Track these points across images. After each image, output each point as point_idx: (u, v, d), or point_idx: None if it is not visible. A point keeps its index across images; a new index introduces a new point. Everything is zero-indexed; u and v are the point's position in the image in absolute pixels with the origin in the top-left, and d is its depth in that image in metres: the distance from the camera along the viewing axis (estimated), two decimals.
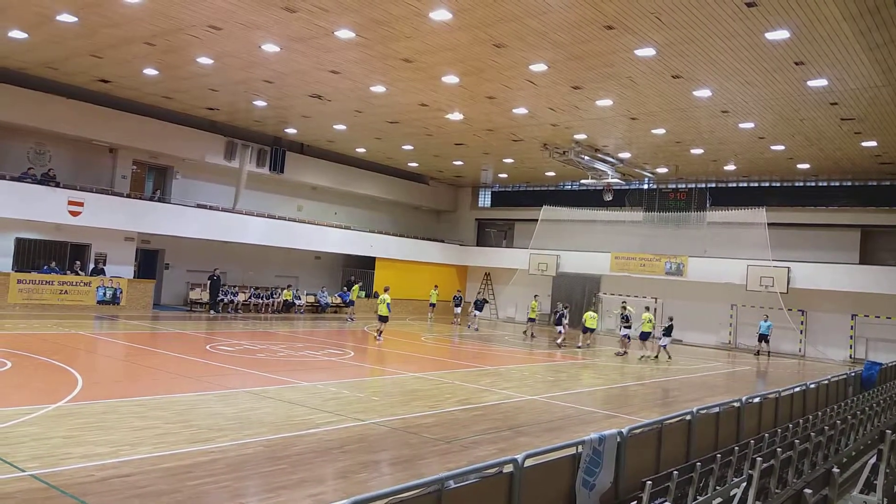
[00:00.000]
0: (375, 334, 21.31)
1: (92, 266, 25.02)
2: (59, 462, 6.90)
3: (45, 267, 23.63)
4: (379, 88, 20.55)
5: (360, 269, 34.91)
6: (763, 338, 27.04)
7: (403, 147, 29.79)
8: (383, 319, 21.32)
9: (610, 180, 29.04)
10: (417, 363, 17.06)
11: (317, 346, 18.81)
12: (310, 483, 7.02)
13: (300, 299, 30.58)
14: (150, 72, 20.74)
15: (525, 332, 27.54)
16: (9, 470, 6.49)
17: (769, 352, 26.49)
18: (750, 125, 21.59)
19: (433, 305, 31.98)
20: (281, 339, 20.44)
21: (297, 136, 29.92)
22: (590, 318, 24.24)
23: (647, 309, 25.60)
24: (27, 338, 16.18)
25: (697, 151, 26.04)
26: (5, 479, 6.26)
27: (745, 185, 32.31)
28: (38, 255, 24.23)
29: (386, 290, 21.86)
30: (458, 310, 31.84)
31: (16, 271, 22.93)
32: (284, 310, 29.72)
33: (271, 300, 29.60)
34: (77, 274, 24.14)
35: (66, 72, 21.81)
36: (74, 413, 9.02)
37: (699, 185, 32.57)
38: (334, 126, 26.68)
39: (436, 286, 32.71)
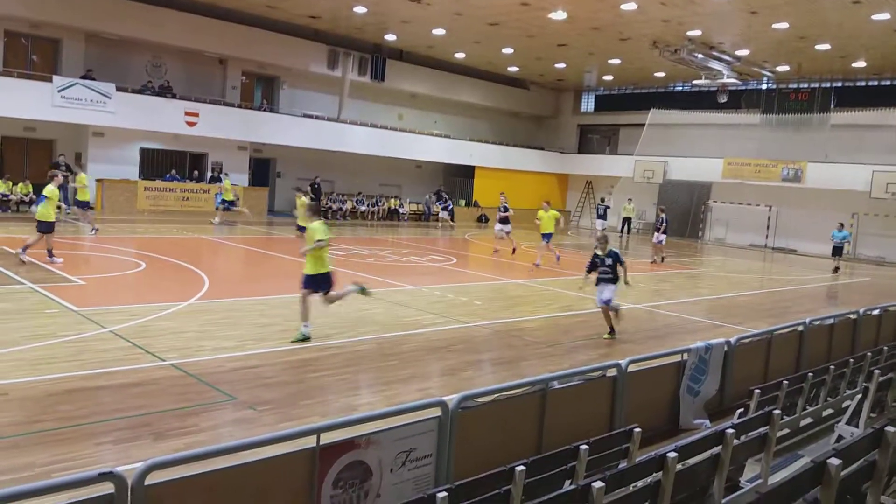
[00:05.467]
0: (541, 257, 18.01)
1: (210, 174, 26.41)
2: (194, 353, 7.59)
3: (168, 175, 25.18)
4: None
5: (459, 178, 35.05)
6: (837, 250, 22.48)
7: (503, 51, 29.04)
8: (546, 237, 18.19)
9: (725, 80, 27.37)
10: (518, 271, 17.23)
11: (421, 253, 19.33)
12: (419, 378, 7.43)
13: (403, 207, 31.19)
14: None
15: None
16: (151, 359, 7.22)
17: (837, 267, 22.27)
18: (885, 16, 19.56)
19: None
20: (387, 244, 21.10)
21: (397, 42, 29.71)
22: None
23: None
24: (156, 241, 17.50)
25: (823, 47, 23.95)
26: (150, 367, 6.99)
27: (876, 83, 29.58)
28: (161, 164, 25.80)
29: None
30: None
31: (142, 179, 24.59)
32: (389, 217, 30.45)
33: (377, 208, 30.38)
34: (197, 182, 25.56)
35: None
36: (204, 310, 9.81)
37: (823, 85, 30.09)
38: (433, 31, 26.26)
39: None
